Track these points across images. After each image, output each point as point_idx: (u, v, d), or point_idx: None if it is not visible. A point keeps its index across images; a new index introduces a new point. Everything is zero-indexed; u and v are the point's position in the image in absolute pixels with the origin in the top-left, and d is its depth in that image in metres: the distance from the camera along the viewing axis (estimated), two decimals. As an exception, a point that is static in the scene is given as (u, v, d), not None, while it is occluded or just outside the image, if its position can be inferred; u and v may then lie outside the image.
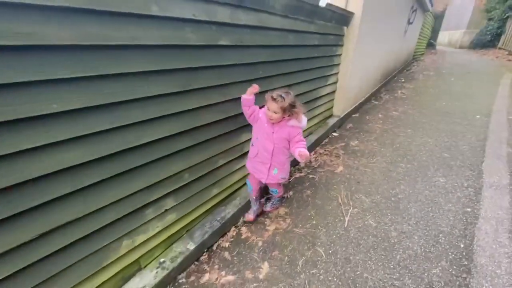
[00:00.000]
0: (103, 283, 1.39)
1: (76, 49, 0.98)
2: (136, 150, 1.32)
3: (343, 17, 3.18)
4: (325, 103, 3.58)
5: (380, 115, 4.56)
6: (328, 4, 2.67)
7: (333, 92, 3.79)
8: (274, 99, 1.57)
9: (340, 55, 3.54)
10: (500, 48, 12.59)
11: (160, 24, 1.23)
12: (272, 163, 1.79)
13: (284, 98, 1.56)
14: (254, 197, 2.07)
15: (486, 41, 13.84)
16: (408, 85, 6.86)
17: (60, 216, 1.10)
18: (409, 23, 7.26)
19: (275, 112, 1.60)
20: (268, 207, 2.22)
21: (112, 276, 1.43)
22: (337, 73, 3.66)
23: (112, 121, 1.17)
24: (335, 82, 3.71)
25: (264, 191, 2.33)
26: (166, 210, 1.61)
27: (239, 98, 1.83)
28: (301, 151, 1.55)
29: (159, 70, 1.29)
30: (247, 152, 2.03)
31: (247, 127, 2.01)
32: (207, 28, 1.47)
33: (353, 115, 4.57)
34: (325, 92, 3.44)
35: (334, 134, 3.82)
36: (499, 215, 2.07)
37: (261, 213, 2.23)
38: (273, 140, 1.71)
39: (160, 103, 1.35)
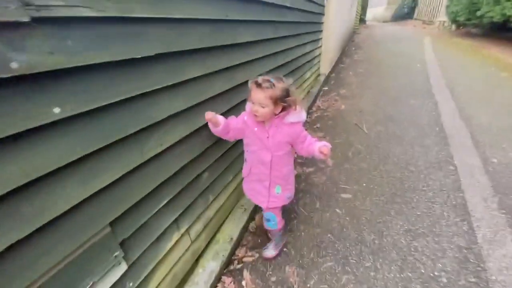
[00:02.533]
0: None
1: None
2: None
3: (326, -9, 4.03)
4: (317, 63, 4.47)
5: (350, 73, 5.67)
6: (321, -21, 3.47)
7: (320, 54, 4.69)
8: (259, 85, 1.11)
9: (323, 23, 4.41)
10: (415, 19, 15.25)
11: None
12: (273, 180, 1.33)
13: (273, 84, 1.11)
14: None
15: (404, 14, 16.52)
16: (359, 51, 8.22)
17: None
18: (352, -1, 8.57)
19: (262, 106, 1.13)
20: (269, 252, 1.58)
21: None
22: (321, 38, 4.55)
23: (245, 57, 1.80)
24: (321, 46, 4.61)
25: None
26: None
27: (293, 48, 2.54)
28: (321, 147, 1.19)
29: (266, 20, 1.93)
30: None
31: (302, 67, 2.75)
32: (282, -8, 2.14)
33: (331, 75, 5.58)
34: (317, 53, 4.32)
35: (325, 88, 4.76)
36: (451, 110, 3.26)
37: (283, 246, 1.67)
38: (269, 147, 1.24)
39: (266, 45, 1.99)
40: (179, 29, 1.04)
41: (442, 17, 11.38)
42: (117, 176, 0.85)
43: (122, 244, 0.93)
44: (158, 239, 1.12)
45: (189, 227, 1.35)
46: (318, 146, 1.21)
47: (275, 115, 1.20)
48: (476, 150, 2.47)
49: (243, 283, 1.48)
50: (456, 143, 2.62)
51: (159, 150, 1.03)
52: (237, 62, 1.54)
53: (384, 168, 2.34)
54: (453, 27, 10.31)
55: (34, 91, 0.61)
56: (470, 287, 1.34)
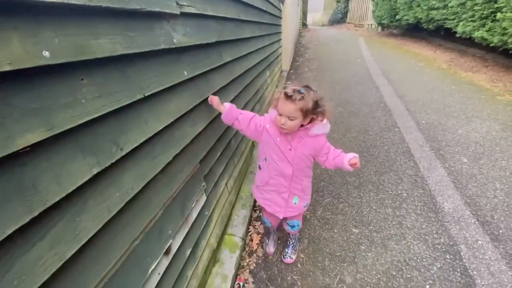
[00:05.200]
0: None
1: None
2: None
3: (282, -2, 4.67)
4: (280, 60, 5.08)
5: (306, 69, 6.46)
6: (279, -12, 4.08)
7: (281, 53, 5.32)
8: (289, 97, 1.01)
9: (281, 25, 5.05)
10: (348, 23, 17.37)
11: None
12: (292, 191, 1.30)
13: (304, 95, 1.01)
14: (275, 229, 1.65)
15: (339, 18, 18.65)
16: (308, 51, 9.22)
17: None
18: (298, 5, 9.58)
19: (291, 119, 1.04)
20: (289, 257, 1.60)
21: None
22: (281, 39, 5.19)
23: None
24: (281, 46, 5.24)
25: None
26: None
27: (268, 45, 3.05)
28: (352, 159, 1.11)
29: (255, 21, 2.39)
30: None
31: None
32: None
33: (291, 71, 6.29)
34: (280, 52, 4.93)
35: (288, 82, 5.40)
36: (389, 92, 4.16)
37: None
38: (291, 159, 1.18)
39: (255, 40, 2.45)
40: (221, 24, 1.43)
41: (370, 20, 13.31)
42: (204, 125, 1.22)
43: (204, 178, 1.28)
44: (216, 183, 1.49)
45: (227, 181, 1.72)
46: (349, 159, 1.12)
47: (301, 126, 1.11)
48: (410, 116, 3.31)
49: (269, 222, 1.89)
50: (397, 113, 3.44)
51: (217, 113, 1.40)
52: (245, 52, 1.97)
53: (350, 135, 3.00)
54: (379, 29, 12.19)
55: (175, 59, 0.97)
56: (421, 195, 2.00)
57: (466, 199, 1.92)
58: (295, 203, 1.34)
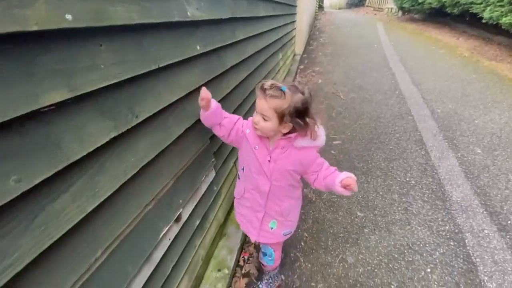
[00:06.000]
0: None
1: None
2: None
3: (299, -23, 4.48)
4: (293, 43, 4.96)
5: (320, 53, 6.29)
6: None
7: (295, 36, 5.18)
8: (264, 91, 0.84)
9: (296, 6, 4.88)
10: (367, 6, 16.58)
11: None
12: (268, 212, 1.08)
13: (283, 93, 0.82)
14: None
15: (357, 1, 17.83)
16: (323, 35, 8.93)
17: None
18: (314, -15, 9.17)
19: (265, 118, 0.87)
20: None
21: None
22: (296, 21, 5.03)
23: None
24: (295, 28, 5.10)
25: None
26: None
27: (281, 26, 2.97)
28: (345, 180, 0.88)
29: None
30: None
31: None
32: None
33: (304, 55, 6.14)
34: (294, 34, 4.80)
35: (301, 66, 5.30)
36: (405, 79, 4.03)
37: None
38: (269, 173, 0.98)
39: (270, 20, 2.40)
40: (235, 1, 1.41)
41: (390, 4, 12.65)
42: (216, 101, 1.23)
43: (214, 154, 1.32)
44: (226, 160, 1.52)
45: (236, 160, 1.76)
46: (341, 179, 0.89)
47: (283, 135, 0.93)
48: (426, 105, 3.22)
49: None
50: (411, 101, 3.35)
51: (227, 91, 1.41)
52: (259, 32, 1.94)
53: (361, 122, 2.96)
54: (400, 13, 11.60)
55: (188, 33, 0.97)
56: (429, 183, 1.99)
57: (476, 189, 1.90)
58: (271, 228, 1.11)
